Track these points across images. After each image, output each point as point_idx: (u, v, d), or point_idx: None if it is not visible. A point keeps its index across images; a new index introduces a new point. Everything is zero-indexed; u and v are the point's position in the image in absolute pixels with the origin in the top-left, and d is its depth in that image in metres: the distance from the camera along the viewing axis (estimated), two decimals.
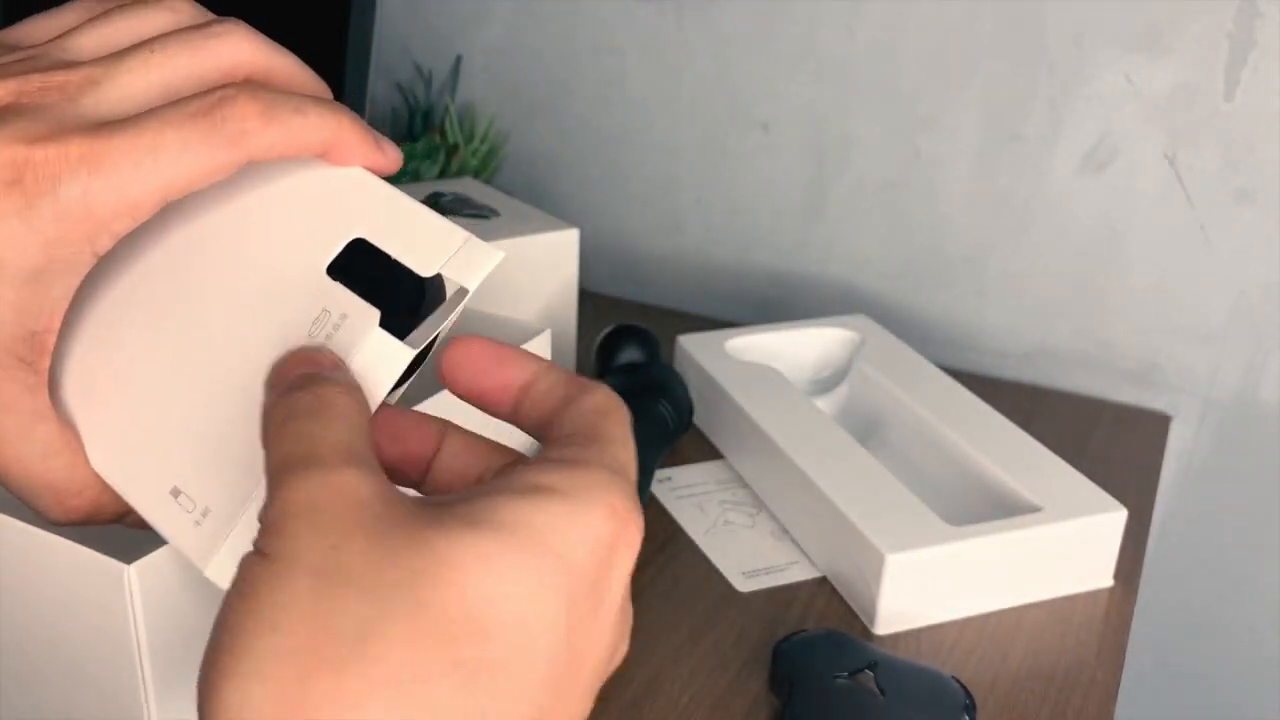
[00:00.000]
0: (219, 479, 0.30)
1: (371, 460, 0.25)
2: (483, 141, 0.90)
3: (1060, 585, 0.55)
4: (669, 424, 0.62)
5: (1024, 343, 0.80)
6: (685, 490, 0.63)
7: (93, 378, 0.32)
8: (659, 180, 0.88)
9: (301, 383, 0.27)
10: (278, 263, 0.32)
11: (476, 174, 0.89)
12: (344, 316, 0.31)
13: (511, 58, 0.91)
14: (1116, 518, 0.55)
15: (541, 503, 0.23)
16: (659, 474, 0.64)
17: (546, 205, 0.91)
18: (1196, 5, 0.68)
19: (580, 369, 0.72)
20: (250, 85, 0.28)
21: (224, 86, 0.28)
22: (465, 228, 0.31)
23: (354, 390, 0.27)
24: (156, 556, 0.36)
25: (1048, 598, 0.55)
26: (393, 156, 0.31)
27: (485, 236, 0.31)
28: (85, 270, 0.28)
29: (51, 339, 0.28)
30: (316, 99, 0.29)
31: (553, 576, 0.23)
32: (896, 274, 0.82)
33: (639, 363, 0.65)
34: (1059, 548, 0.54)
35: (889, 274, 0.83)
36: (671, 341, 0.71)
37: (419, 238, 0.32)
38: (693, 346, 0.69)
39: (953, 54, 0.76)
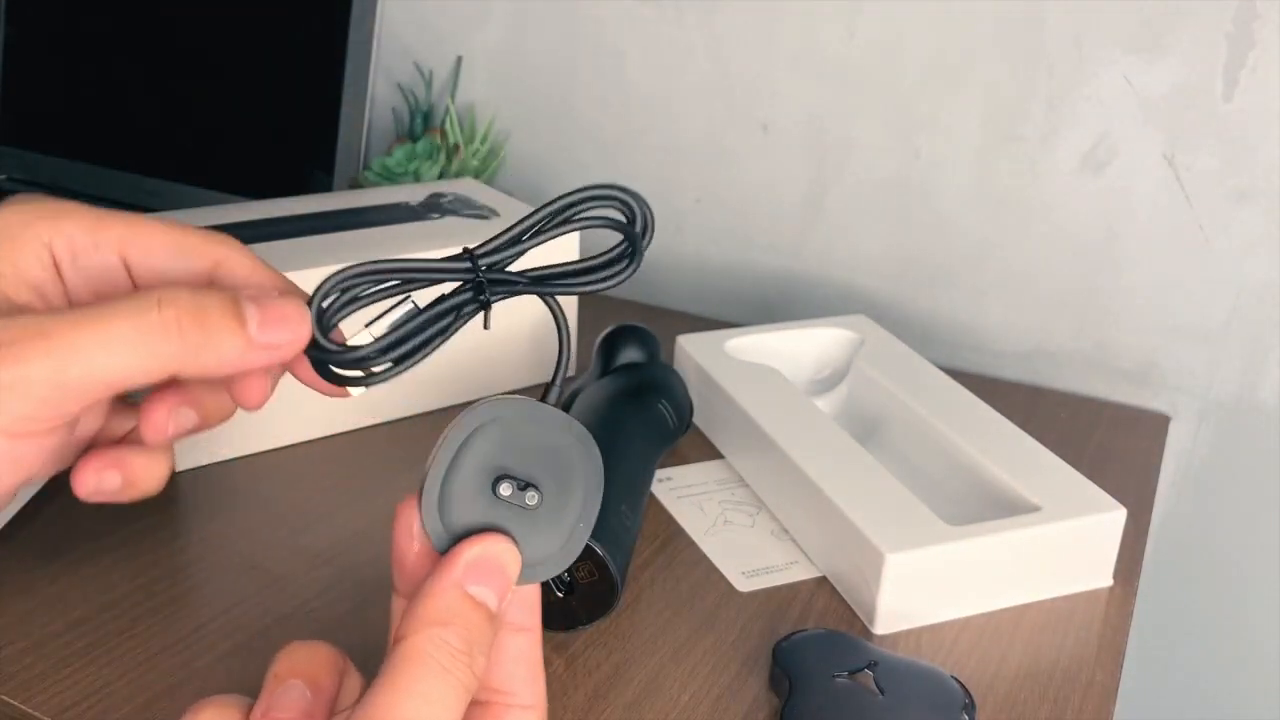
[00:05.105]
0: None
1: None
2: (483, 142, 0.90)
3: (1059, 585, 0.55)
4: (669, 424, 0.62)
5: (1024, 343, 0.80)
6: (685, 490, 0.63)
7: None
8: (659, 180, 0.88)
9: (460, 641, 0.30)
10: None
11: (477, 174, 0.89)
12: None
13: (511, 58, 0.91)
14: (1116, 517, 0.55)
15: None
16: (659, 474, 0.64)
17: None
18: (1195, 5, 0.68)
19: (580, 369, 0.72)
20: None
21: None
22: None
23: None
24: None
25: (1047, 597, 0.55)
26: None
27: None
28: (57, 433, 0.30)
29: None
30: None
31: None
32: (896, 274, 0.83)
33: (639, 363, 0.65)
34: (1058, 547, 0.54)
35: (889, 274, 0.83)
36: (671, 341, 0.71)
37: None
38: (693, 346, 0.69)
39: (953, 54, 0.76)
